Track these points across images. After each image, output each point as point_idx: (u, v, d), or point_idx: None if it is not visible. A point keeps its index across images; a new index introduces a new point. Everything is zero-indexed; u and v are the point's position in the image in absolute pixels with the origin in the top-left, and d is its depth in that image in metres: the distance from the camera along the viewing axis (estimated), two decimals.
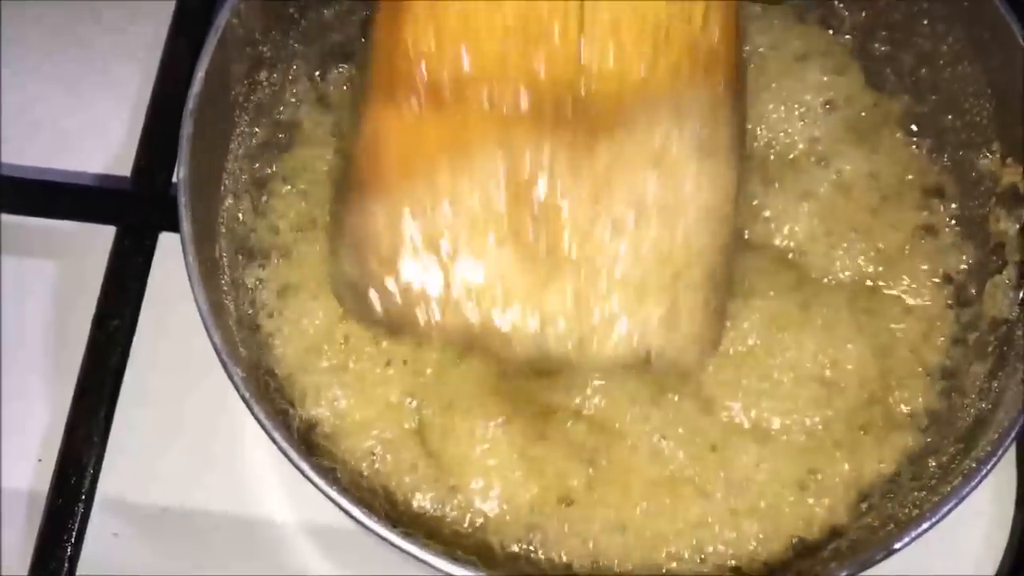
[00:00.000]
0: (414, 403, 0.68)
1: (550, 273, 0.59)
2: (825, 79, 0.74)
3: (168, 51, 0.85)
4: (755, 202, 0.72)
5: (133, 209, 0.80)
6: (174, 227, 0.74)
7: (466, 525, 0.65)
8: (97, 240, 0.79)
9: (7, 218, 0.80)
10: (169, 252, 0.78)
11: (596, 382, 0.67)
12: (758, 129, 0.74)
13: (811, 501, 0.66)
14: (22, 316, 0.79)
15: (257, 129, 0.71)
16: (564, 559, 0.65)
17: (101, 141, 0.84)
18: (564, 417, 0.67)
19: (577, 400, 0.67)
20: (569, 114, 0.58)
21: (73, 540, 0.72)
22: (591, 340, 0.59)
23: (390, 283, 0.59)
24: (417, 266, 0.58)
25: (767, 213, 0.72)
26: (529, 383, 0.68)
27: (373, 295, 0.59)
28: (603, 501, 0.65)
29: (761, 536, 0.65)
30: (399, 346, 0.68)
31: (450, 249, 0.58)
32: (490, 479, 0.65)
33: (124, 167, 0.82)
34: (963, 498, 0.57)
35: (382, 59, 0.59)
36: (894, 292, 0.71)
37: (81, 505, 0.72)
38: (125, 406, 0.75)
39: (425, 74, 0.58)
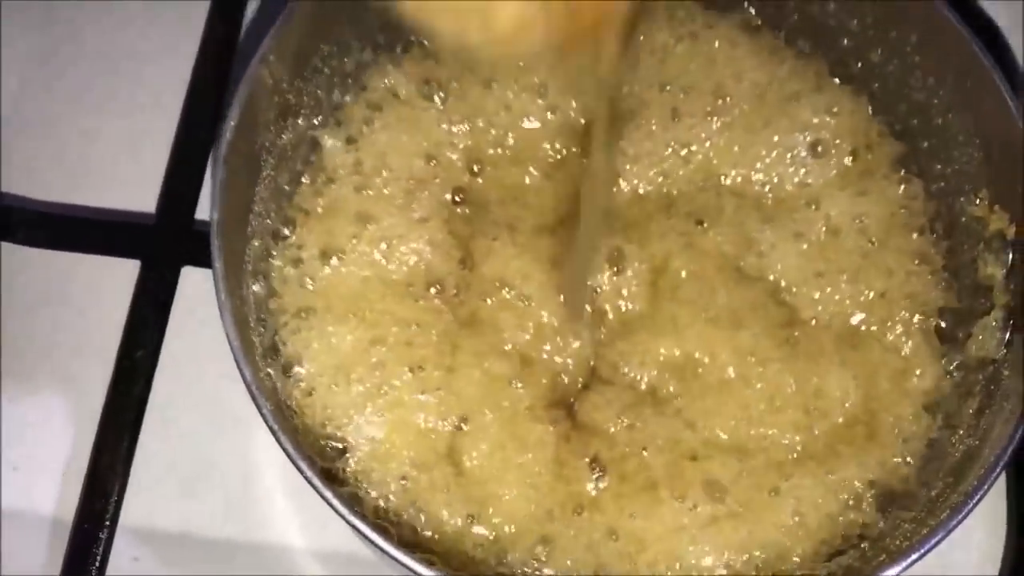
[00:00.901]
0: (445, 427, 0.69)
1: None
2: (816, 120, 0.76)
3: (192, 91, 0.86)
4: (752, 235, 0.74)
5: (157, 244, 0.82)
6: (196, 261, 0.80)
7: (485, 544, 0.67)
8: (121, 272, 0.81)
9: (30, 249, 0.82)
10: (191, 285, 0.80)
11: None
12: (752, 171, 0.76)
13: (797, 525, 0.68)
14: (48, 345, 0.80)
15: (283, 171, 0.72)
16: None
17: (124, 177, 0.85)
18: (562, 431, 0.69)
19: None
20: None
21: (98, 564, 0.73)
22: None
23: None
24: None
25: (762, 247, 0.74)
26: (556, 410, 0.70)
27: None
28: (608, 508, 0.68)
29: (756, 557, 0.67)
30: (432, 372, 0.69)
31: None
32: (513, 498, 0.67)
33: (145, 202, 0.84)
34: (951, 530, 0.59)
35: None
36: (882, 331, 0.73)
37: (105, 530, 0.74)
38: (147, 433, 0.77)
39: None
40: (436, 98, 0.76)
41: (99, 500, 0.74)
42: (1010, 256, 0.69)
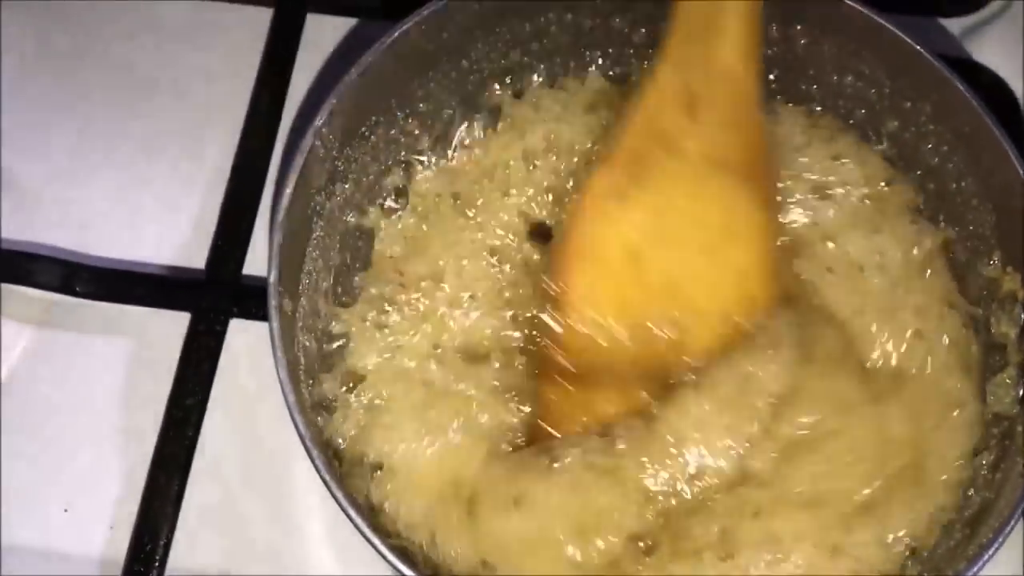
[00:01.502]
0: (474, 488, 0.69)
1: None
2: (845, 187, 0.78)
3: (241, 150, 0.89)
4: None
5: (207, 297, 0.83)
6: (244, 314, 0.82)
7: None
8: (171, 323, 0.82)
9: (88, 301, 0.83)
10: (238, 336, 0.82)
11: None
12: None
13: None
14: (99, 392, 0.82)
15: (333, 232, 0.75)
16: None
17: (173, 232, 0.88)
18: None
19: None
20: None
21: None
22: None
23: None
24: None
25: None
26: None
27: None
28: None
29: None
30: (477, 423, 0.71)
31: None
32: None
33: (194, 256, 0.86)
34: None
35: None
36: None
37: (155, 571, 0.75)
38: (197, 478, 0.78)
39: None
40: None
41: (149, 543, 0.76)
42: (1022, 316, 0.71)
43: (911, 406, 0.71)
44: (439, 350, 0.74)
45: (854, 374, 0.72)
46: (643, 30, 0.79)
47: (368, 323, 0.75)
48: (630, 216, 0.68)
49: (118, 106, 0.93)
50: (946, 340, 0.74)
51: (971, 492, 0.69)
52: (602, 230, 0.68)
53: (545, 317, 0.67)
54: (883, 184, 0.78)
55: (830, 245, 0.76)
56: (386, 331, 0.75)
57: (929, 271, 0.76)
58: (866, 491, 0.68)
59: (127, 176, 0.91)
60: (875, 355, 0.73)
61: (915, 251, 0.76)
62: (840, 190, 0.78)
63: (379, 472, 0.70)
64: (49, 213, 0.89)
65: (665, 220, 0.68)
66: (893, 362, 0.73)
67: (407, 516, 0.69)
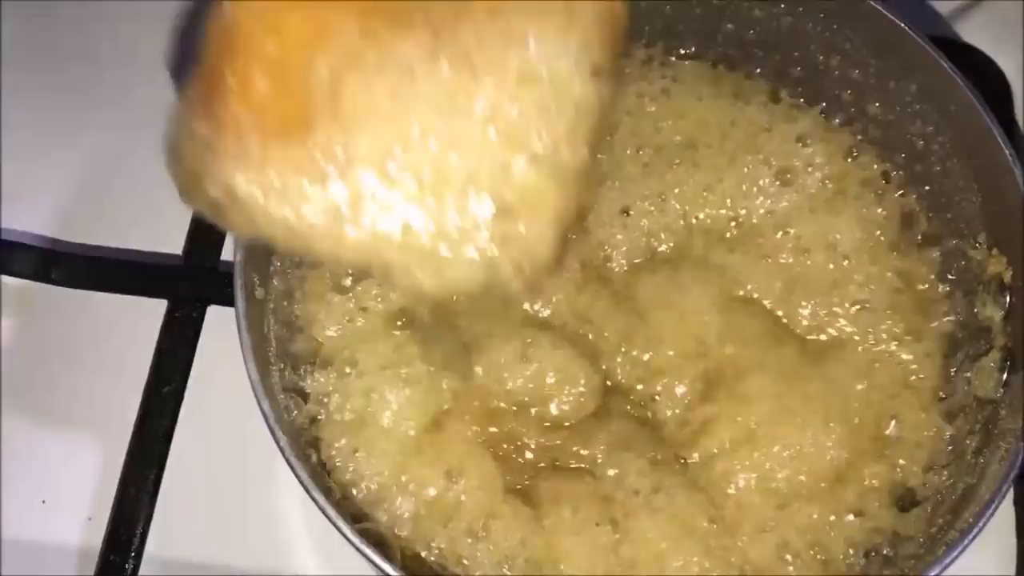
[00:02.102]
0: (460, 481, 0.70)
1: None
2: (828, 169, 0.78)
3: None
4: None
5: (184, 284, 0.83)
6: (222, 301, 0.81)
7: None
8: (148, 311, 0.82)
9: (64, 289, 0.83)
10: (216, 323, 0.82)
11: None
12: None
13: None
14: (77, 381, 0.82)
15: None
16: None
17: (149, 218, 0.87)
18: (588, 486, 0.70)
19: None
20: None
21: None
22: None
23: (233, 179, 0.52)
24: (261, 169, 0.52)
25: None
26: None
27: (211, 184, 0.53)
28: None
29: None
30: (450, 421, 0.71)
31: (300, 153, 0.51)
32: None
33: (172, 244, 0.86)
34: (946, 566, 0.60)
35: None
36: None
37: (131, 562, 0.75)
38: (172, 466, 0.78)
39: None
40: None
41: (126, 531, 0.76)
42: (1008, 299, 0.71)
43: (857, 368, 0.72)
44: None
45: (789, 345, 0.73)
46: None
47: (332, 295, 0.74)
48: None
49: (95, 89, 0.93)
50: (895, 314, 0.74)
51: (947, 474, 0.69)
52: None
53: None
54: (849, 160, 0.79)
55: (779, 235, 0.77)
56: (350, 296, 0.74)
57: (893, 252, 0.77)
58: (830, 447, 0.70)
59: (103, 161, 0.90)
60: (815, 330, 0.75)
61: (878, 233, 0.77)
62: (804, 172, 0.78)
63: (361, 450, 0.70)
64: (23, 200, 0.88)
65: None
66: (834, 333, 0.75)
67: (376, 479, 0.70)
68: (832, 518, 0.69)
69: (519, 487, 0.70)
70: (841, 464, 0.70)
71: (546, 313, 0.75)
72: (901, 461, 0.71)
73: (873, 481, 0.71)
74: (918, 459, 0.71)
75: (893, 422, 0.72)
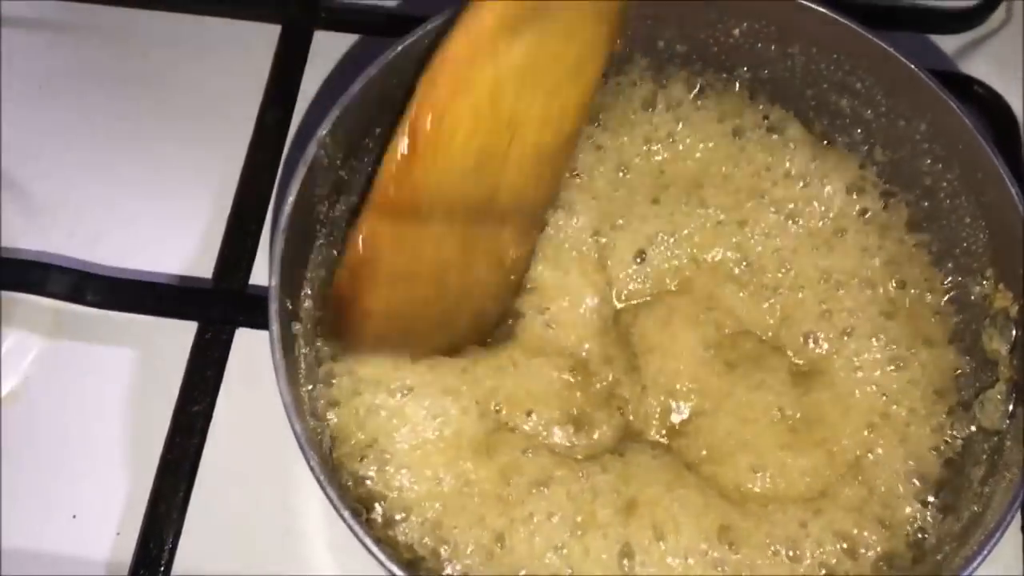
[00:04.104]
0: (474, 492, 0.71)
1: None
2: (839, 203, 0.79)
3: (249, 162, 0.90)
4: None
5: (214, 306, 0.84)
6: (251, 323, 0.83)
7: None
8: (178, 332, 0.83)
9: (97, 310, 0.83)
10: (244, 345, 0.83)
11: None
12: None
13: None
14: (108, 400, 0.83)
15: (334, 240, 0.75)
16: None
17: (181, 242, 0.89)
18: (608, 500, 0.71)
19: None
20: None
21: None
22: None
23: None
24: None
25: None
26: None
27: None
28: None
29: None
30: (478, 436, 0.72)
31: None
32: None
33: (201, 267, 0.87)
34: None
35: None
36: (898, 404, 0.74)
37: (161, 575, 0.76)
38: (202, 484, 0.79)
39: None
40: None
41: (155, 547, 0.76)
42: (1014, 333, 0.72)
43: (839, 395, 0.74)
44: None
45: (779, 373, 0.75)
46: None
47: None
48: (513, 51, 0.64)
49: (129, 119, 0.94)
50: (900, 347, 0.75)
51: (960, 505, 0.70)
52: (482, 64, 0.64)
53: (402, 145, 0.64)
54: (855, 195, 0.80)
55: (778, 274, 0.78)
56: None
57: (899, 287, 0.78)
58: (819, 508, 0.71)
59: (137, 187, 0.92)
60: (803, 355, 0.77)
61: (875, 261, 0.78)
62: (808, 209, 0.80)
63: (385, 468, 0.71)
64: (59, 223, 0.90)
65: (538, 57, 0.66)
66: (837, 365, 0.76)
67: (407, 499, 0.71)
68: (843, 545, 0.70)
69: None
70: (840, 492, 0.72)
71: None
72: (900, 489, 0.72)
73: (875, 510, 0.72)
74: (917, 491, 0.72)
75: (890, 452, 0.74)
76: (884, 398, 0.74)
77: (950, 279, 0.77)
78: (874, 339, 0.76)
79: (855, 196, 0.79)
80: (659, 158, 0.81)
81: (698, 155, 0.81)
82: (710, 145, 0.81)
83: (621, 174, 0.81)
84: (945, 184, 0.75)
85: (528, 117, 0.67)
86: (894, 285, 0.77)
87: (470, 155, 0.66)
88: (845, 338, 0.76)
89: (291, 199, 0.69)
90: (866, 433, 0.73)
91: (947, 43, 0.95)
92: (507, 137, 0.67)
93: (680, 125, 0.81)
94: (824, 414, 0.74)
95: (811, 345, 0.77)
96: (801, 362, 0.77)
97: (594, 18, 0.68)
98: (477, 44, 0.63)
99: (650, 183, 0.81)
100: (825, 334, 0.76)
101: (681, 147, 0.81)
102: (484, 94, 0.64)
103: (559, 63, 0.68)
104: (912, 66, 0.73)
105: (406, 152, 0.63)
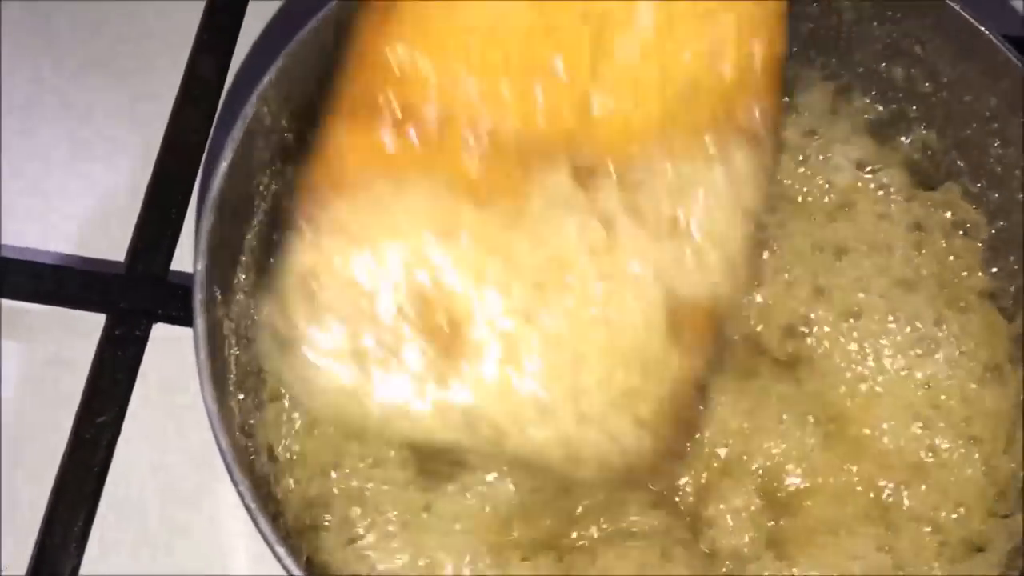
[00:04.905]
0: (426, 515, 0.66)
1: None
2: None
3: (173, 126, 0.84)
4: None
5: (126, 295, 0.79)
6: (171, 317, 0.78)
7: None
8: (83, 326, 0.78)
9: None
10: (162, 343, 0.78)
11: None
12: None
13: None
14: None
15: (275, 219, 0.69)
16: None
17: (88, 217, 0.83)
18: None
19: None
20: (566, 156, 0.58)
21: None
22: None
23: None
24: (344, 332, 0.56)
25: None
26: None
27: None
28: None
29: None
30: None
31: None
32: None
33: (113, 248, 0.82)
34: None
35: (356, 75, 0.57)
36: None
37: None
38: (106, 512, 0.74)
39: (404, 99, 0.56)
40: None
41: None
42: None
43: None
44: None
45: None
46: None
47: None
48: None
49: (24, 67, 0.89)
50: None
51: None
52: None
53: None
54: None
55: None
56: None
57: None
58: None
59: (35, 149, 0.86)
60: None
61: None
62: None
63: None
64: None
65: None
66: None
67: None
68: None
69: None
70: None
71: None
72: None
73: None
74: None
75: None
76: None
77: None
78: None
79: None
80: None
81: None
82: None
83: None
84: (1018, 173, 0.70)
85: None
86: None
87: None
88: None
89: (224, 166, 0.63)
90: None
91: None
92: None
93: None
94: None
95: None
96: None
97: None
98: None
99: None
100: None
101: None
102: None
103: None
104: (981, 27, 0.68)
105: None
